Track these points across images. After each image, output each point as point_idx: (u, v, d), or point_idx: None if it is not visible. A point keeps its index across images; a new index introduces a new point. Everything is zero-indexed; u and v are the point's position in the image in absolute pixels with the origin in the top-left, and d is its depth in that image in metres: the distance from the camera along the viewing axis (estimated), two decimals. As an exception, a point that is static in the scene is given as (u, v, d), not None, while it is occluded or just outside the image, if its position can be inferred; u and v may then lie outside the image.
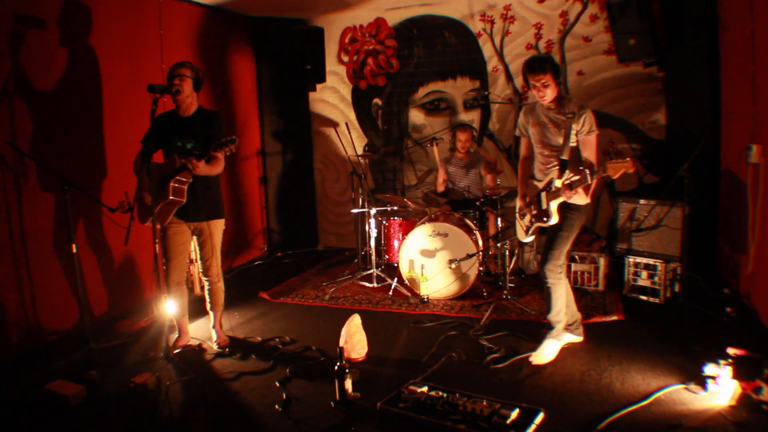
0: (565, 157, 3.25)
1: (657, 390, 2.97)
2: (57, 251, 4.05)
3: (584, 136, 3.26)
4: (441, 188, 5.63)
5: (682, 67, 5.15)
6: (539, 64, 3.23)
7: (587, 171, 3.07)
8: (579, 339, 3.68)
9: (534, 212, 3.52)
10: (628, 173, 2.93)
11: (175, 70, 3.60)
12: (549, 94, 3.27)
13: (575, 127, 3.25)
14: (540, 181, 3.49)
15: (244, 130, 6.38)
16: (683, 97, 5.24)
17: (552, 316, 3.49)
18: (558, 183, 3.26)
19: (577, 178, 3.13)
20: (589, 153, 3.26)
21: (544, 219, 3.40)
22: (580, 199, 3.32)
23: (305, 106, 6.92)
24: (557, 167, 3.29)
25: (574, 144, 3.29)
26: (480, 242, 4.88)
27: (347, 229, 6.97)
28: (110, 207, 4.02)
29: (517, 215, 3.73)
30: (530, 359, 3.42)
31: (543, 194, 3.43)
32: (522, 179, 3.67)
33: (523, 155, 3.68)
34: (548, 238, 3.47)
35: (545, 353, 3.44)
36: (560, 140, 3.32)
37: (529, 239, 3.69)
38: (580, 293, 4.72)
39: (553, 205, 3.34)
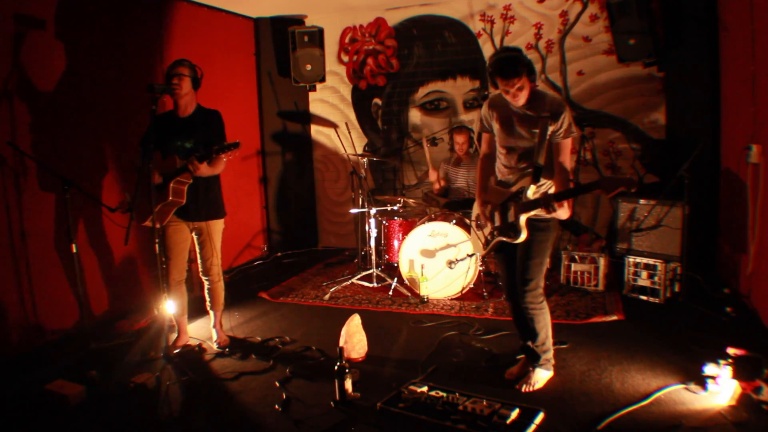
0: (540, 162, 2.83)
1: (657, 390, 2.97)
2: (57, 251, 4.05)
3: (561, 139, 2.85)
4: (437, 187, 5.59)
5: (682, 67, 5.16)
6: (512, 69, 2.74)
7: (570, 190, 2.72)
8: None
9: (497, 224, 3.06)
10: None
11: (173, 68, 3.58)
12: (523, 96, 2.85)
13: (551, 128, 2.83)
14: (503, 187, 3.06)
15: (244, 130, 6.38)
16: (683, 97, 5.24)
17: (538, 344, 3.12)
18: (530, 193, 2.84)
19: (554, 190, 2.80)
20: (564, 157, 2.88)
21: (511, 234, 2.94)
22: (563, 212, 2.82)
23: (305, 106, 6.92)
24: (530, 174, 2.88)
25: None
26: (480, 242, 4.88)
27: (347, 229, 6.97)
28: (110, 207, 4.02)
29: (474, 224, 3.29)
30: (519, 388, 3.09)
31: (510, 204, 2.98)
32: (481, 182, 3.21)
33: (484, 152, 3.22)
34: (520, 269, 3.02)
35: (536, 381, 3.12)
36: (527, 143, 2.91)
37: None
38: (580, 293, 4.73)
39: (523, 219, 2.89)
